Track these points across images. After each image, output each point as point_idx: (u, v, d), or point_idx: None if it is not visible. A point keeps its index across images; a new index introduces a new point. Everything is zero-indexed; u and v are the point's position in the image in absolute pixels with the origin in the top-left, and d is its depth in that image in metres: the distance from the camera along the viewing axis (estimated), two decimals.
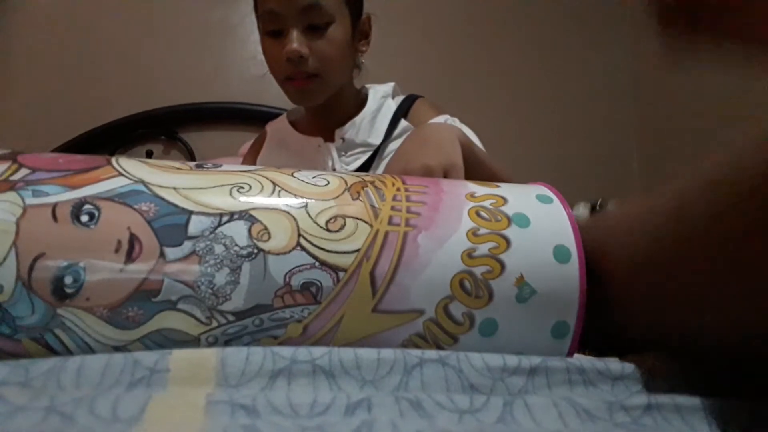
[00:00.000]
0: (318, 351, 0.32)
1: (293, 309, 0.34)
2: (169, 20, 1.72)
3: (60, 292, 0.31)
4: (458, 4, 1.87)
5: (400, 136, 0.92)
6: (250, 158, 1.06)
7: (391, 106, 0.98)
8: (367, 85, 1.02)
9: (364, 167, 0.90)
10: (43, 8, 1.64)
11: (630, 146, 1.89)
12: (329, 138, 0.95)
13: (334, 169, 0.91)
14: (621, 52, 1.92)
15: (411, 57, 1.79)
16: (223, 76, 1.71)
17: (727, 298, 0.31)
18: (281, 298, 0.34)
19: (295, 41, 0.81)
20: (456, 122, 0.91)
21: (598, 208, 1.20)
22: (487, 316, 0.36)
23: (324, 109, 0.93)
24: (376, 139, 0.92)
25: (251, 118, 1.64)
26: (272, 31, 0.84)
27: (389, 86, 1.02)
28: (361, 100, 0.98)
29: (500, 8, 1.89)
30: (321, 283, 0.34)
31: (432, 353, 0.33)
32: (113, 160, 0.37)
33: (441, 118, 0.92)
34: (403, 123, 0.95)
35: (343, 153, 0.94)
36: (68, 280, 0.31)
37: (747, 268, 0.29)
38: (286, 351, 0.32)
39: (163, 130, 1.63)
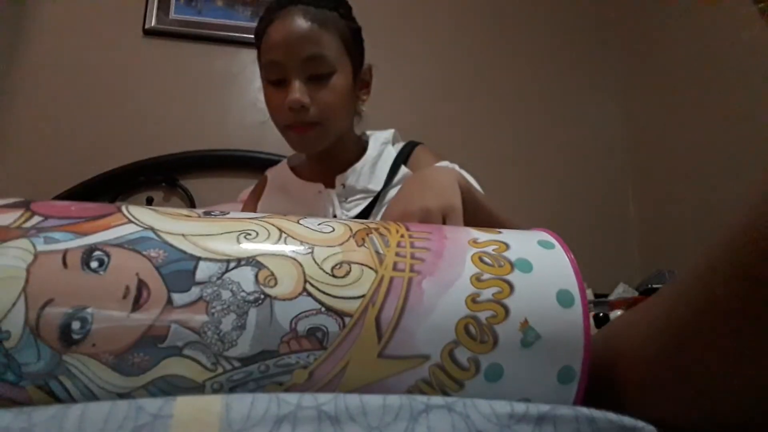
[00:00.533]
0: (323, 397, 0.32)
1: (299, 355, 0.34)
2: (170, 69, 1.76)
3: (67, 338, 0.31)
4: (457, 56, 1.93)
5: (400, 182, 0.93)
6: (252, 204, 1.06)
7: (392, 152, 0.99)
8: (368, 132, 1.03)
9: (365, 213, 0.91)
10: (45, 57, 1.68)
11: (626, 190, 1.92)
12: (330, 184, 0.96)
13: (334, 215, 0.92)
14: (613, 102, 1.98)
15: (410, 104, 1.83)
16: (223, 124, 1.74)
17: (741, 379, 0.31)
18: (287, 343, 0.34)
19: (297, 91, 0.82)
20: (456, 167, 0.92)
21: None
22: (492, 361, 0.36)
23: (325, 156, 0.94)
24: (377, 186, 0.93)
25: (251, 164, 1.66)
26: (275, 81, 0.86)
27: (389, 133, 1.03)
28: (361, 147, 0.99)
29: (499, 60, 1.95)
30: (327, 329, 0.34)
31: (438, 399, 0.33)
32: (123, 207, 0.38)
33: (441, 164, 0.93)
34: (403, 169, 0.96)
35: (344, 199, 0.94)
36: (75, 325, 0.32)
37: (749, 346, 0.29)
38: (291, 397, 0.31)
39: (164, 177, 1.65)
